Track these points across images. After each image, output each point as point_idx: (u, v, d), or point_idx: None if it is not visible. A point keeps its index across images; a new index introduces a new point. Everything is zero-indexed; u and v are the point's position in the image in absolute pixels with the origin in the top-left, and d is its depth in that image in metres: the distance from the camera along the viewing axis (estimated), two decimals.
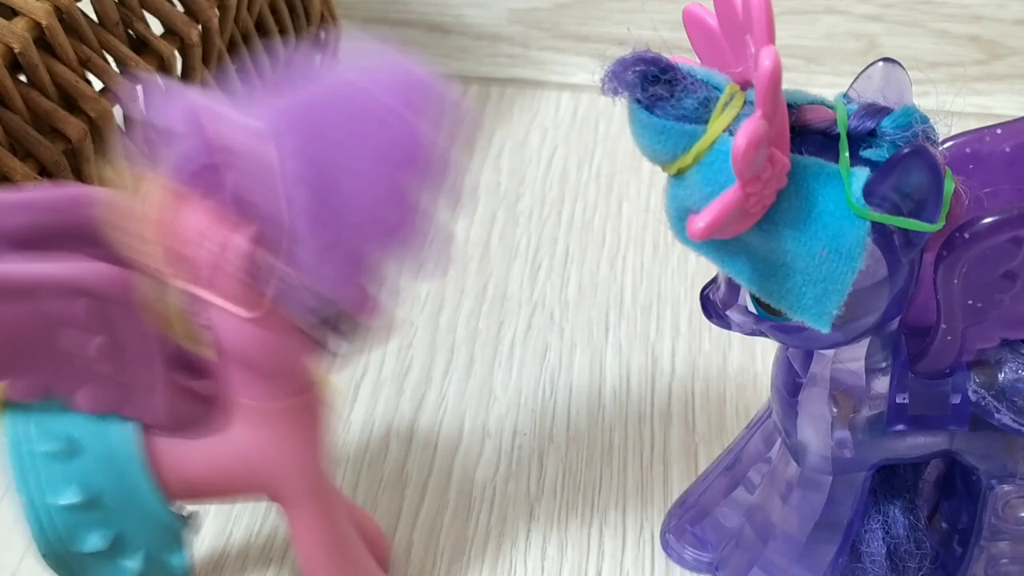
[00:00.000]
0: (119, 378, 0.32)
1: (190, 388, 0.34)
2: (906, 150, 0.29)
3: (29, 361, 0.32)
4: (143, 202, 0.30)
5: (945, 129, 0.32)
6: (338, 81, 0.29)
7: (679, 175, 0.30)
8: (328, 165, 0.28)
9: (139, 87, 0.46)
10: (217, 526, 0.45)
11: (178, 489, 0.35)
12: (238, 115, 0.29)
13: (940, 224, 0.30)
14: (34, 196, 0.32)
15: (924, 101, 0.32)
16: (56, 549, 0.34)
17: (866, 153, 0.30)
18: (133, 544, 0.35)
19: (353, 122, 0.29)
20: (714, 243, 0.30)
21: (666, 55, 0.29)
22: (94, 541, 0.34)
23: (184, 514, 0.36)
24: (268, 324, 0.30)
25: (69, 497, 0.33)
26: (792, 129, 0.29)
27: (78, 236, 0.32)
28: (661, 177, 0.30)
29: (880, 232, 0.30)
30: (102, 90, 0.46)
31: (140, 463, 0.34)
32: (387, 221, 0.29)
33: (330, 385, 0.40)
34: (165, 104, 0.30)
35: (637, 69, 0.29)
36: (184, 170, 0.28)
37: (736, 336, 0.44)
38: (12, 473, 0.33)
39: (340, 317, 0.31)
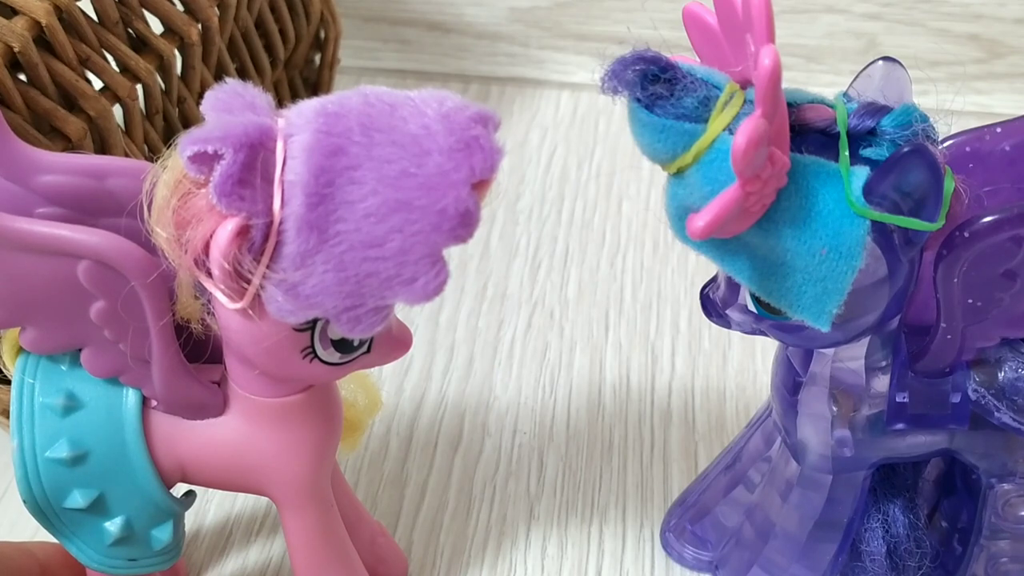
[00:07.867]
0: (117, 345, 0.33)
1: (192, 371, 0.34)
2: (906, 149, 0.29)
3: (38, 313, 0.32)
4: (157, 184, 0.30)
5: (945, 128, 0.32)
6: (391, 105, 0.29)
7: (679, 174, 0.30)
8: (341, 181, 0.28)
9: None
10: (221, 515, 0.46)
11: (169, 466, 0.35)
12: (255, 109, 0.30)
13: (940, 223, 0.30)
14: (78, 159, 0.33)
15: (924, 100, 0.32)
16: (37, 499, 0.35)
17: (866, 152, 0.30)
18: (114, 508, 0.35)
19: (389, 154, 0.28)
20: (714, 242, 0.30)
21: (666, 54, 0.29)
22: (75, 498, 0.35)
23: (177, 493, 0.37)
24: (259, 318, 0.30)
25: (58, 451, 0.34)
26: (792, 128, 0.29)
27: (114, 206, 0.33)
28: (661, 176, 0.30)
29: (880, 231, 0.30)
30: (102, 89, 0.46)
31: (136, 431, 0.34)
32: (395, 269, 0.28)
33: (373, 401, 0.40)
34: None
35: (637, 68, 0.29)
36: (192, 156, 0.28)
37: (736, 335, 0.44)
38: (12, 416, 0.34)
39: (326, 326, 0.31)
